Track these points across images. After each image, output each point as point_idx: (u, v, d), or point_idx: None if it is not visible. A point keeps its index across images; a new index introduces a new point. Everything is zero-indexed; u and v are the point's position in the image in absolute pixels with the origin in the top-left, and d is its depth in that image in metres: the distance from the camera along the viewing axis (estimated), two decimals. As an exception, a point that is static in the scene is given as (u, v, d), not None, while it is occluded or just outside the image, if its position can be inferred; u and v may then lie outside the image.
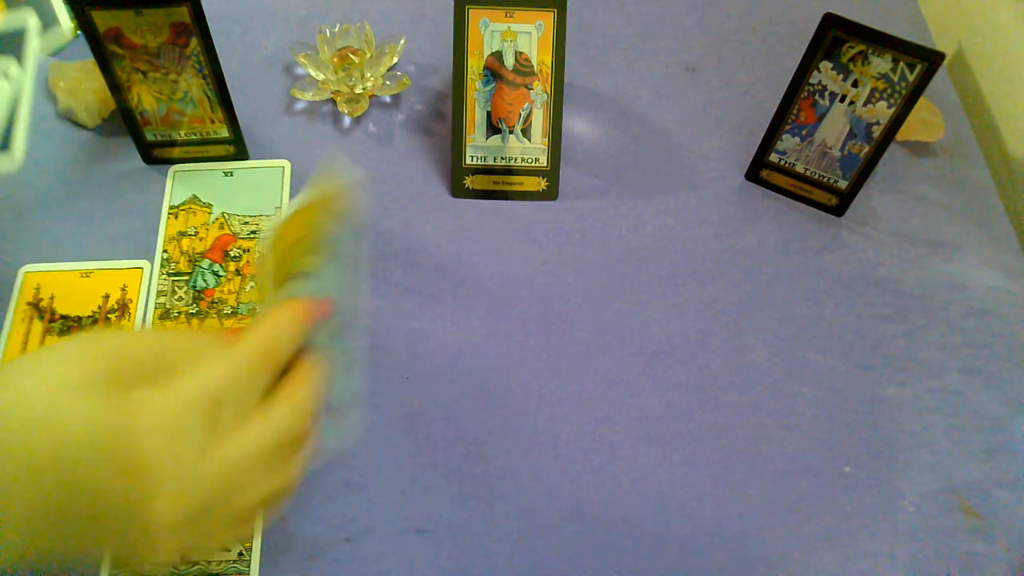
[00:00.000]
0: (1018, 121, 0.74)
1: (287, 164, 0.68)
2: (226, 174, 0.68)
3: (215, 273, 0.63)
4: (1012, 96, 0.75)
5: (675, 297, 0.64)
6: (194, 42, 0.60)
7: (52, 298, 0.61)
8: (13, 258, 0.63)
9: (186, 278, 0.62)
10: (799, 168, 0.67)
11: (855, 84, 0.61)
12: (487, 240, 0.66)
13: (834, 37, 0.60)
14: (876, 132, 0.63)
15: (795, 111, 0.64)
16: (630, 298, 0.64)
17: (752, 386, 0.60)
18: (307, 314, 0.42)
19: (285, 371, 0.41)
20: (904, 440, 0.59)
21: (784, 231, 0.67)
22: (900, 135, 0.71)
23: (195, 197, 0.66)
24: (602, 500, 0.56)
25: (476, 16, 0.63)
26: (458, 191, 0.68)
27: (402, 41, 0.72)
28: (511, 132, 0.66)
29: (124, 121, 0.64)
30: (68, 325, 0.60)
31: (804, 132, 0.65)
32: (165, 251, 0.63)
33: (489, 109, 0.65)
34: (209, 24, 0.59)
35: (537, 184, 0.67)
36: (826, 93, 0.63)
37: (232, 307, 0.61)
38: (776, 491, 0.57)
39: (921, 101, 0.68)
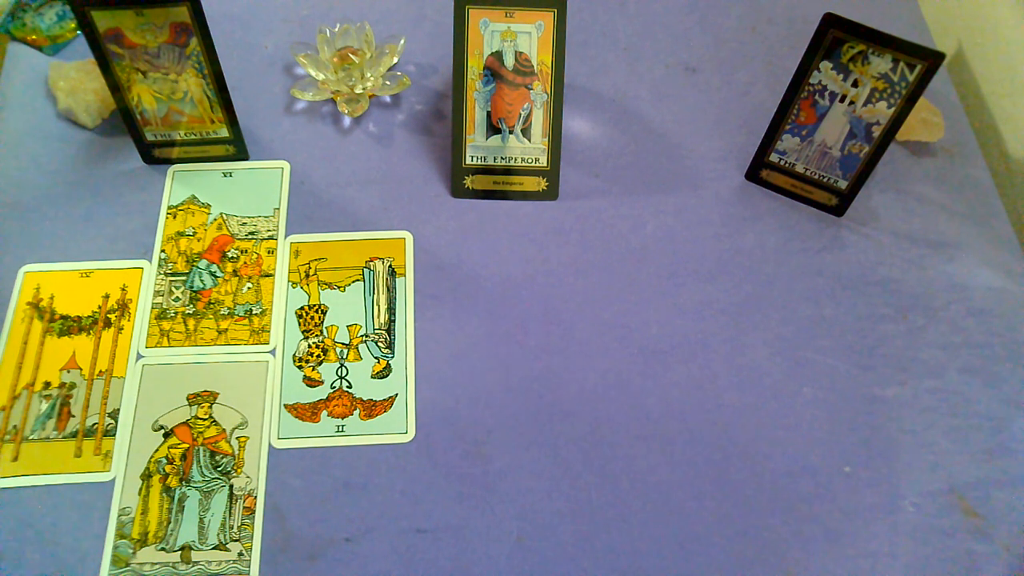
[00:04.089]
0: (1018, 121, 0.74)
1: (286, 165, 0.68)
2: (225, 174, 0.68)
3: (212, 274, 0.63)
4: (1012, 96, 0.75)
5: (675, 297, 0.64)
6: (194, 42, 0.60)
7: (52, 298, 0.61)
8: (13, 258, 0.63)
9: (183, 278, 0.62)
10: (799, 168, 0.67)
11: (855, 84, 0.61)
12: (487, 240, 0.66)
13: (834, 37, 0.60)
14: (876, 132, 0.63)
15: (795, 111, 0.64)
16: (630, 298, 0.64)
17: (752, 386, 0.60)
18: None
19: None
20: (904, 440, 0.59)
21: (784, 231, 0.67)
22: (900, 135, 0.71)
23: (194, 197, 0.66)
24: (602, 500, 0.56)
25: (476, 16, 0.63)
26: (458, 191, 0.68)
27: (402, 41, 0.72)
28: (511, 132, 0.66)
29: (124, 121, 0.64)
30: (68, 325, 0.60)
31: (804, 132, 0.65)
32: (163, 251, 0.63)
33: (489, 109, 0.65)
34: (209, 24, 0.59)
35: (537, 184, 0.67)
36: (826, 93, 0.63)
37: (228, 308, 0.61)
38: (776, 491, 0.57)
39: (921, 101, 0.68)
